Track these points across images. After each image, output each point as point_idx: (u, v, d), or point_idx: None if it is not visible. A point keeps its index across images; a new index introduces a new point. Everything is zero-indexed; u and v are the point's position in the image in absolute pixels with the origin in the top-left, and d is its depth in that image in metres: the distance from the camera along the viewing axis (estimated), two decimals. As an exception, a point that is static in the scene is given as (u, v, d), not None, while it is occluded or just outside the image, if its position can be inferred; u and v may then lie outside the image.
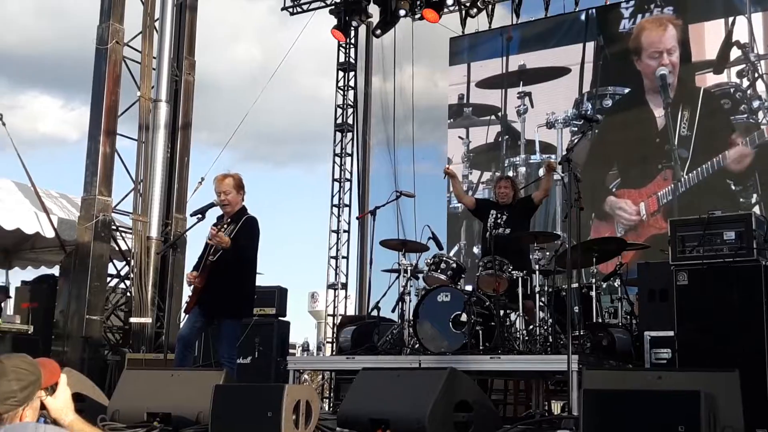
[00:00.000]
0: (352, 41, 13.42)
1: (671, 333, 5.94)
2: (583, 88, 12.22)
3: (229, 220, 6.46)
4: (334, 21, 12.63)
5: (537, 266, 6.80)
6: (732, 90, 11.10)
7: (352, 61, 13.42)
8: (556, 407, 7.79)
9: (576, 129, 11.95)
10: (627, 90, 11.94)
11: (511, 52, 12.95)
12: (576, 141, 6.94)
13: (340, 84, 13.33)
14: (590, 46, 12.25)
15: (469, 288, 7.62)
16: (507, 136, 12.79)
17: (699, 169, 11.01)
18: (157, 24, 10.44)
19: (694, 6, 11.73)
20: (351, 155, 13.23)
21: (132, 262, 9.70)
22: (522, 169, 12.50)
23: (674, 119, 11.30)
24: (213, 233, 6.30)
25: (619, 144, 11.73)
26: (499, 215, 7.54)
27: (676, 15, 11.70)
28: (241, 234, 6.35)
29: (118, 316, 9.91)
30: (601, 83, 12.09)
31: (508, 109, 12.84)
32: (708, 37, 11.49)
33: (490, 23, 12.75)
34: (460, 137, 13.15)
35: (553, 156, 12.09)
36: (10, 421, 2.49)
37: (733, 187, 10.80)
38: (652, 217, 11.18)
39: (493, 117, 12.98)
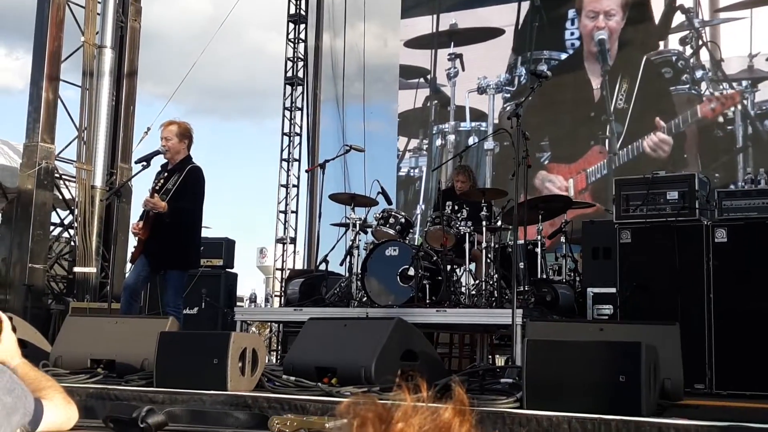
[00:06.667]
0: (303, -7, 13.24)
1: (614, 290, 6.08)
2: (517, 52, 11.53)
3: (171, 169, 6.40)
4: (284, -28, 12.43)
5: (484, 222, 6.86)
6: (674, 58, 10.50)
7: (302, 13, 13.24)
8: (500, 361, 7.93)
9: (509, 95, 11.42)
10: (564, 56, 11.26)
11: (442, 10, 12.24)
12: (524, 97, 6.95)
13: (291, 37, 13.16)
14: (525, 5, 11.55)
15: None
16: (436, 101, 12.09)
17: (632, 146, 10.48)
18: (101, -33, 10.15)
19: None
20: (301, 110, 13.11)
21: (76, 211, 9.53)
22: (451, 137, 11.88)
23: (612, 89, 10.69)
24: (146, 200, 6.23)
25: (552, 114, 10.87)
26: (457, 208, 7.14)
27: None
28: (185, 184, 6.29)
29: (62, 266, 9.77)
30: (536, 47, 11.41)
31: (438, 71, 12.14)
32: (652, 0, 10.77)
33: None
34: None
35: (483, 124, 11.72)
36: None
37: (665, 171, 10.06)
38: (579, 195, 10.43)
39: (421, 80, 12.28)
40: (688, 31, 10.54)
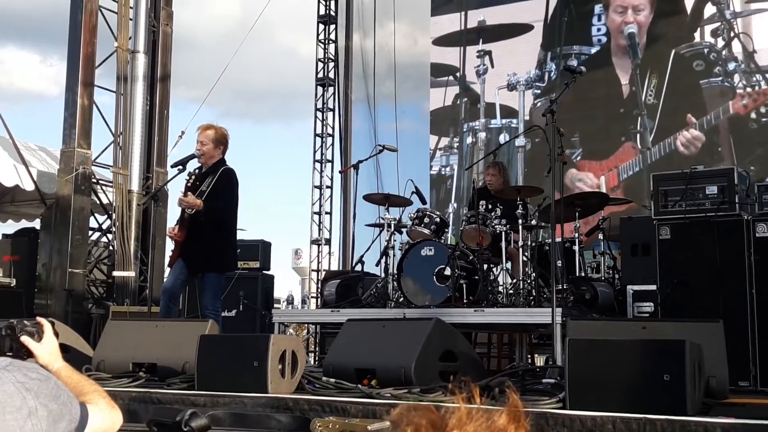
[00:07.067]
0: (333, -6, 13.26)
1: (654, 287, 6.01)
2: (546, 47, 11.42)
3: (205, 172, 6.45)
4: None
5: (520, 221, 6.81)
6: (706, 51, 10.34)
7: (332, 14, 13.26)
8: (540, 360, 7.87)
9: (539, 92, 11.35)
10: (593, 50, 11.11)
11: (470, 7, 12.18)
12: (559, 93, 6.90)
13: (321, 37, 13.18)
14: (554, 0, 11.42)
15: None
16: (466, 99, 12.02)
17: (663, 143, 10.34)
18: (133, -28, 10.22)
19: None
20: (333, 110, 13.12)
21: (113, 216, 9.63)
22: (482, 135, 11.79)
23: (641, 85, 10.56)
24: (180, 199, 6.28)
25: (582, 110, 10.68)
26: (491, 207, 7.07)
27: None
28: (219, 186, 6.34)
29: (101, 270, 9.86)
30: (566, 42, 11.29)
31: (467, 69, 12.08)
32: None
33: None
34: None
35: (514, 121, 11.60)
36: None
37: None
38: (612, 192, 10.18)
39: (451, 77, 12.22)
40: (719, 23, 10.37)
